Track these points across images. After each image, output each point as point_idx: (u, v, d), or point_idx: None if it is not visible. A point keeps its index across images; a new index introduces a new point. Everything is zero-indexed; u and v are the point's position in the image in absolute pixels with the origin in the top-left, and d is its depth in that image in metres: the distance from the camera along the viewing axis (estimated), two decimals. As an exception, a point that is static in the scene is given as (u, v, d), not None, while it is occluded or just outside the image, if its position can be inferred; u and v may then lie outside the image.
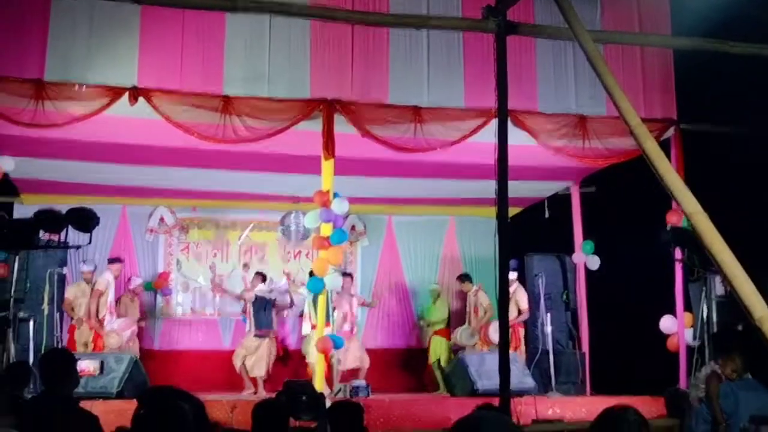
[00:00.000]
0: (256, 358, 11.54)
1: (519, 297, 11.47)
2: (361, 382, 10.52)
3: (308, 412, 6.84)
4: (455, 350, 11.99)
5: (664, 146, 9.24)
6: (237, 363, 11.62)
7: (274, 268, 13.17)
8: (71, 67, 8.74)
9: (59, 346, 10.11)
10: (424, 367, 12.90)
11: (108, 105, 8.66)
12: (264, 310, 11.76)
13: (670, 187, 5.77)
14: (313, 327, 11.01)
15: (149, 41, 8.92)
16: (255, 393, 11.25)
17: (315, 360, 9.84)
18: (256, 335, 11.64)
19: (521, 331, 11.59)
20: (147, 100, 8.72)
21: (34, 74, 8.61)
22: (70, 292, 10.99)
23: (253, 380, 11.56)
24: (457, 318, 13.00)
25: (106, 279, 11.43)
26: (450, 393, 10.55)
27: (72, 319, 11.02)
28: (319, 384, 8.82)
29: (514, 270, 11.37)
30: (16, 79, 8.57)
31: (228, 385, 12.03)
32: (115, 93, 8.69)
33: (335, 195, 9.24)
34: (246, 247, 13.46)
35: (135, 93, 8.70)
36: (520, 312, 11.49)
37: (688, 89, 10.20)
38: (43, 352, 9.71)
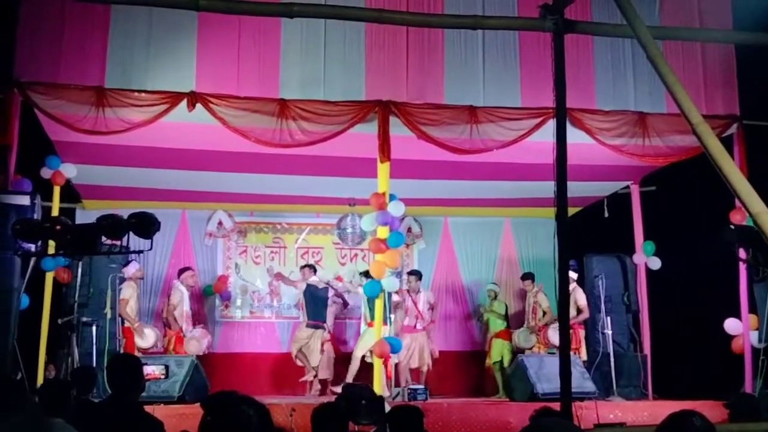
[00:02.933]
0: (309, 348, 11.61)
1: (577, 296, 11.29)
2: (419, 385, 10.48)
3: (368, 416, 6.81)
4: (516, 352, 11.85)
5: (727, 143, 9.04)
6: (294, 352, 11.74)
7: (330, 271, 13.21)
8: (131, 74, 8.89)
9: (120, 350, 10.30)
10: (484, 369, 12.80)
11: (167, 111, 8.79)
12: (315, 302, 11.82)
13: (734, 187, 5.66)
14: (369, 324, 11.06)
15: (206, 47, 9.04)
16: (313, 384, 11.43)
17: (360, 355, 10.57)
18: (308, 325, 11.73)
19: (581, 333, 11.40)
20: (204, 105, 8.82)
21: (95, 82, 8.78)
22: (126, 293, 11.02)
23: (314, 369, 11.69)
24: (516, 319, 12.88)
25: (180, 291, 11.66)
26: (509, 396, 10.45)
27: (125, 321, 10.97)
28: (378, 387, 8.81)
29: (573, 270, 11.27)
30: (77, 86, 8.75)
31: (287, 387, 12.10)
32: (173, 99, 8.81)
33: (391, 197, 9.22)
34: (303, 250, 13.53)
35: (193, 99, 8.81)
36: (579, 311, 11.32)
37: (751, 84, 9.97)
38: (105, 356, 9.92)
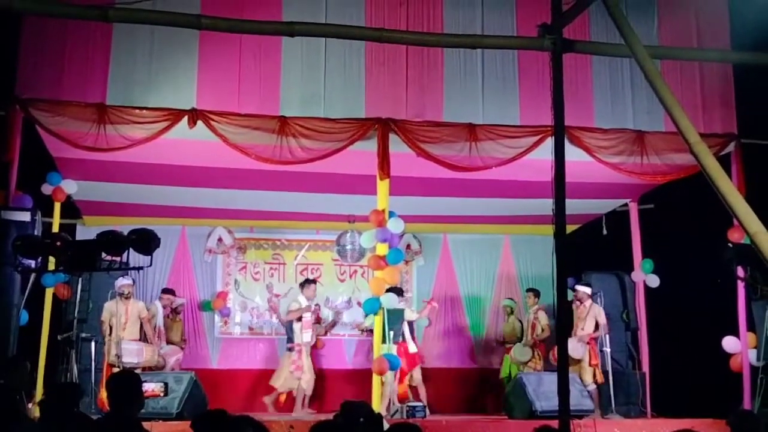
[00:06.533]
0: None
1: (597, 312, 11.18)
2: (418, 402, 10.46)
3: (366, 433, 6.79)
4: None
5: (725, 161, 9.08)
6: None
7: (329, 288, 13.23)
8: (132, 91, 8.94)
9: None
10: (483, 387, 12.81)
11: (168, 128, 8.83)
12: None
13: (732, 207, 5.70)
14: None
15: (207, 65, 9.08)
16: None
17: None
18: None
19: (597, 349, 11.18)
20: (205, 122, 8.86)
21: (97, 98, 8.82)
22: (105, 312, 10.66)
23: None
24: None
25: (156, 306, 11.57)
26: (508, 414, 10.44)
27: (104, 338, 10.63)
28: (377, 404, 8.80)
29: (586, 285, 11.31)
30: (79, 103, 8.79)
31: (285, 404, 12.07)
32: (174, 116, 8.85)
33: (391, 214, 9.25)
34: (302, 267, 13.55)
35: (194, 116, 8.85)
36: (597, 327, 11.23)
37: (749, 103, 10.02)
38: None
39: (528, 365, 11.61)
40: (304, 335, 11.31)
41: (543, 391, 9.68)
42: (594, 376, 10.79)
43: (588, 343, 10.89)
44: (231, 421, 2.77)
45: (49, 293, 9.93)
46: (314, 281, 11.95)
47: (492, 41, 9.03)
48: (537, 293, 12.16)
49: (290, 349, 11.45)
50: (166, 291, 12.07)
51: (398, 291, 11.55)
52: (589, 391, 10.36)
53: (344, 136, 9.17)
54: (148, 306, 11.52)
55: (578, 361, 10.70)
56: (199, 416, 4.20)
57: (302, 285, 11.71)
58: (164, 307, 11.78)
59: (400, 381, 11.06)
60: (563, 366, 6.98)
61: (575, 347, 10.55)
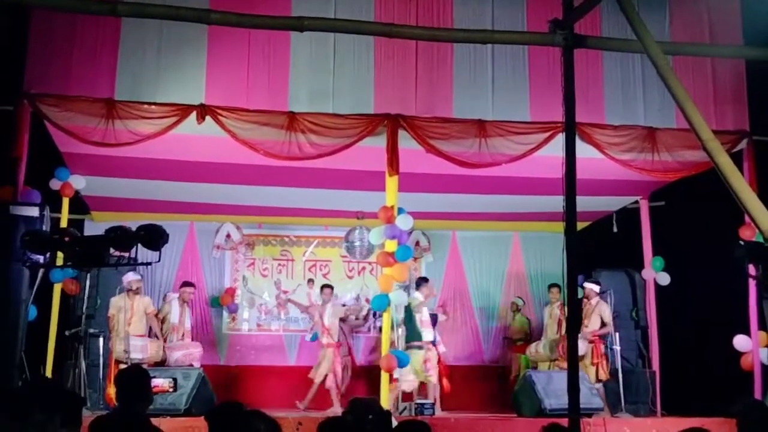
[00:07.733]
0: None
1: (603, 309, 11.15)
2: (427, 400, 10.42)
3: (374, 430, 6.76)
4: (534, 366, 11.76)
5: (737, 158, 9.01)
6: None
7: (338, 285, 13.21)
8: (141, 86, 8.91)
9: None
10: (492, 385, 12.77)
11: (176, 123, 8.81)
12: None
13: (744, 204, 5.65)
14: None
15: (216, 60, 9.05)
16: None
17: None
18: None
19: (602, 348, 11.11)
20: (214, 118, 8.84)
21: (105, 94, 8.80)
22: (112, 307, 10.64)
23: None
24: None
25: (170, 305, 11.47)
26: (516, 412, 10.39)
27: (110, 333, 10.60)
28: (385, 402, 8.77)
29: (594, 283, 11.26)
30: (88, 98, 8.77)
31: (293, 401, 12.06)
32: (183, 111, 8.82)
33: (400, 211, 9.22)
34: (311, 263, 13.52)
35: (202, 111, 8.83)
36: (603, 324, 11.16)
37: (761, 99, 9.95)
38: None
39: (555, 363, 11.51)
40: (425, 333, 11.09)
41: (552, 389, 9.65)
42: (597, 374, 10.73)
43: (591, 341, 10.84)
44: (243, 415, 2.74)
45: (57, 289, 9.95)
46: (427, 279, 11.82)
47: (502, 36, 8.97)
48: (560, 288, 12.04)
49: (420, 348, 11.11)
50: (189, 284, 11.93)
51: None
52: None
53: (353, 132, 9.13)
54: (161, 306, 11.52)
55: (581, 358, 10.64)
56: (215, 408, 4.18)
57: (419, 283, 11.55)
58: (184, 301, 11.67)
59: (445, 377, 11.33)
60: (573, 363, 6.94)
61: (581, 344, 10.49)
